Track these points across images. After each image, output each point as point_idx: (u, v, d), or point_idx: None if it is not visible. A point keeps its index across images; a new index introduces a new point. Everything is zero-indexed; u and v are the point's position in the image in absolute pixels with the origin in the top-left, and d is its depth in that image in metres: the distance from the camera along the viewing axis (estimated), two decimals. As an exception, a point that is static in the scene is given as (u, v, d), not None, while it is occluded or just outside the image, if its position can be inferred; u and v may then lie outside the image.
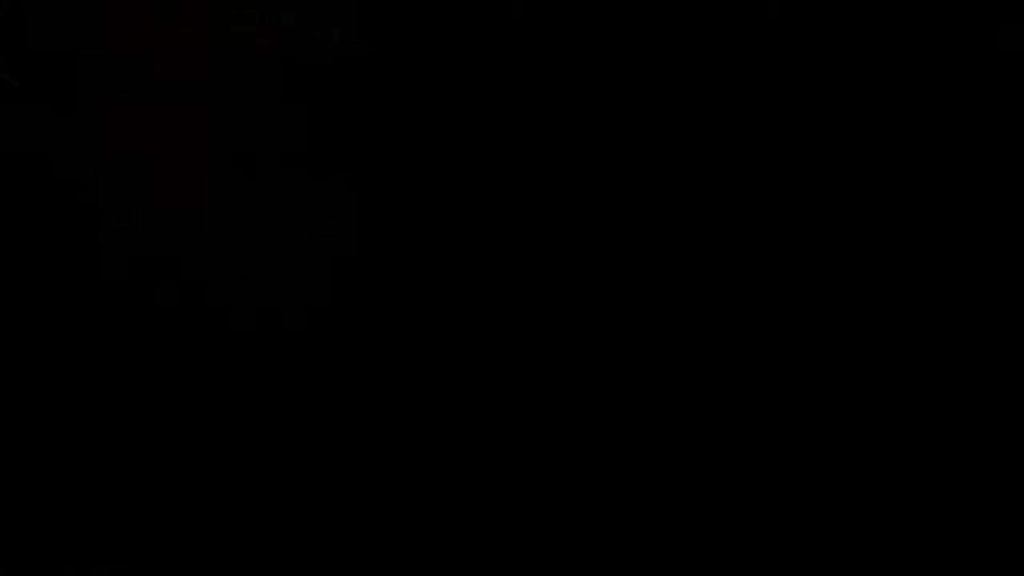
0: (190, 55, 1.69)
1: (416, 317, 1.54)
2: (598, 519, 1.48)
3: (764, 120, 1.60)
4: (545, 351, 1.55)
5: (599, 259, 1.59)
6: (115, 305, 1.56)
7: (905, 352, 1.53)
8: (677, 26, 1.60)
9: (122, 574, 1.44)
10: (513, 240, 1.57)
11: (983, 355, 1.50)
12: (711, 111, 1.61)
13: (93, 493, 1.47)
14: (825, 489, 1.48)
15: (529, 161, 1.59)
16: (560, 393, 1.52)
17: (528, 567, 1.46)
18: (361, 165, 1.58)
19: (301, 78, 1.65)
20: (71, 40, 1.69)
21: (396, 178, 1.58)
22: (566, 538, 1.47)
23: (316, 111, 1.64)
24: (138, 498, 1.46)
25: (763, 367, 1.54)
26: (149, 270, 1.55)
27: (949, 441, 1.48)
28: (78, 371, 1.58)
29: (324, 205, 1.61)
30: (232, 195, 1.58)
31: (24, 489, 1.49)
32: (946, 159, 1.56)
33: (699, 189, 1.62)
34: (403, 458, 1.47)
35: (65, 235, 1.60)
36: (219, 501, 1.46)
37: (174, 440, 1.49)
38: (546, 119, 1.61)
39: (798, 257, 1.58)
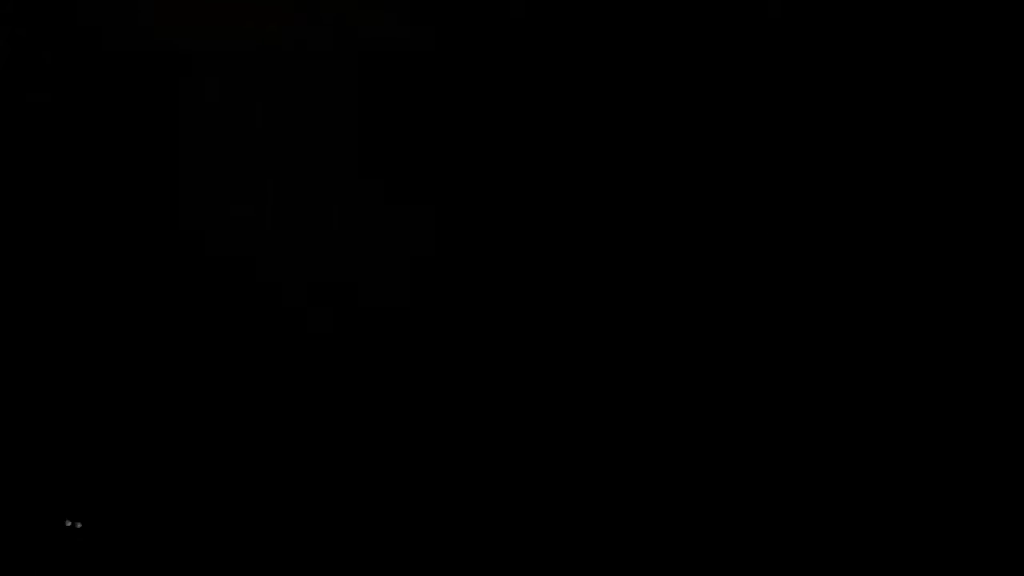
0: (265, 50, 1.69)
1: (491, 317, 1.54)
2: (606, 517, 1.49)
3: (764, 119, 1.60)
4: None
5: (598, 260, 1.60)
6: (197, 300, 1.56)
7: (901, 352, 1.53)
8: (678, 26, 1.60)
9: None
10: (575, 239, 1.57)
11: (977, 354, 1.51)
12: (711, 110, 1.61)
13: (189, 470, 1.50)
14: (822, 490, 1.48)
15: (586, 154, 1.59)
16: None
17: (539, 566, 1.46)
18: (435, 166, 1.58)
19: (368, 73, 1.66)
20: (143, 35, 1.68)
21: (470, 182, 1.58)
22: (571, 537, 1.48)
23: (384, 105, 1.64)
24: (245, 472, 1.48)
25: (763, 370, 1.54)
26: (224, 268, 1.55)
27: (946, 440, 1.48)
28: (157, 363, 1.58)
29: (399, 205, 1.61)
30: (305, 194, 1.58)
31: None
32: (946, 157, 1.56)
33: (699, 187, 1.62)
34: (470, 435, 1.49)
35: (146, 233, 1.59)
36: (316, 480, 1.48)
37: (256, 424, 1.50)
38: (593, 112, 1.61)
39: (797, 256, 1.58)
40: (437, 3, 1.63)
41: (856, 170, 1.59)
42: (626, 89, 1.62)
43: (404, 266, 1.59)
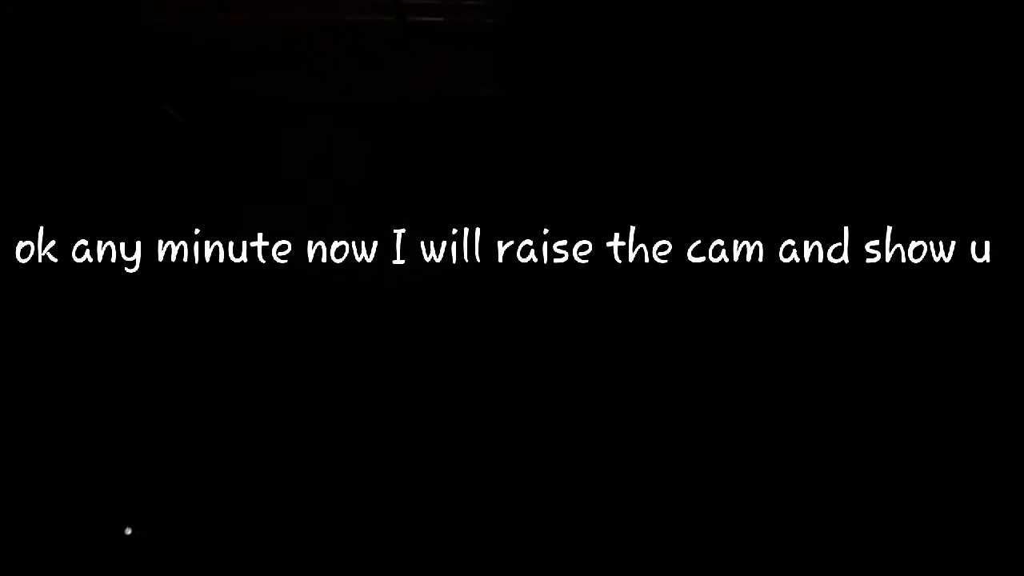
0: (347, 101, 1.84)
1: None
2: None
3: (764, 119, 1.59)
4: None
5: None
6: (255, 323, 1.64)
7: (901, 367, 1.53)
8: (678, 26, 1.59)
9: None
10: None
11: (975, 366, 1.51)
12: (712, 110, 1.60)
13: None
14: (822, 498, 1.50)
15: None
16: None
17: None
18: (482, 211, 1.67)
19: (443, 119, 1.81)
20: (232, 83, 1.78)
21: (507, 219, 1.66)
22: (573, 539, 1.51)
23: (451, 150, 1.78)
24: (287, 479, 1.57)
25: (763, 377, 1.55)
26: (288, 295, 1.66)
27: (944, 445, 1.49)
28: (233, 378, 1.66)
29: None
30: (363, 232, 1.69)
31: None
32: (945, 158, 1.55)
33: (699, 188, 1.62)
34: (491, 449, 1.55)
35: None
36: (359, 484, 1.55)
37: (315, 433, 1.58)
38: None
39: (793, 254, 1.58)
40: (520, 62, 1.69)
41: (857, 170, 1.58)
42: (625, 91, 1.61)
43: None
